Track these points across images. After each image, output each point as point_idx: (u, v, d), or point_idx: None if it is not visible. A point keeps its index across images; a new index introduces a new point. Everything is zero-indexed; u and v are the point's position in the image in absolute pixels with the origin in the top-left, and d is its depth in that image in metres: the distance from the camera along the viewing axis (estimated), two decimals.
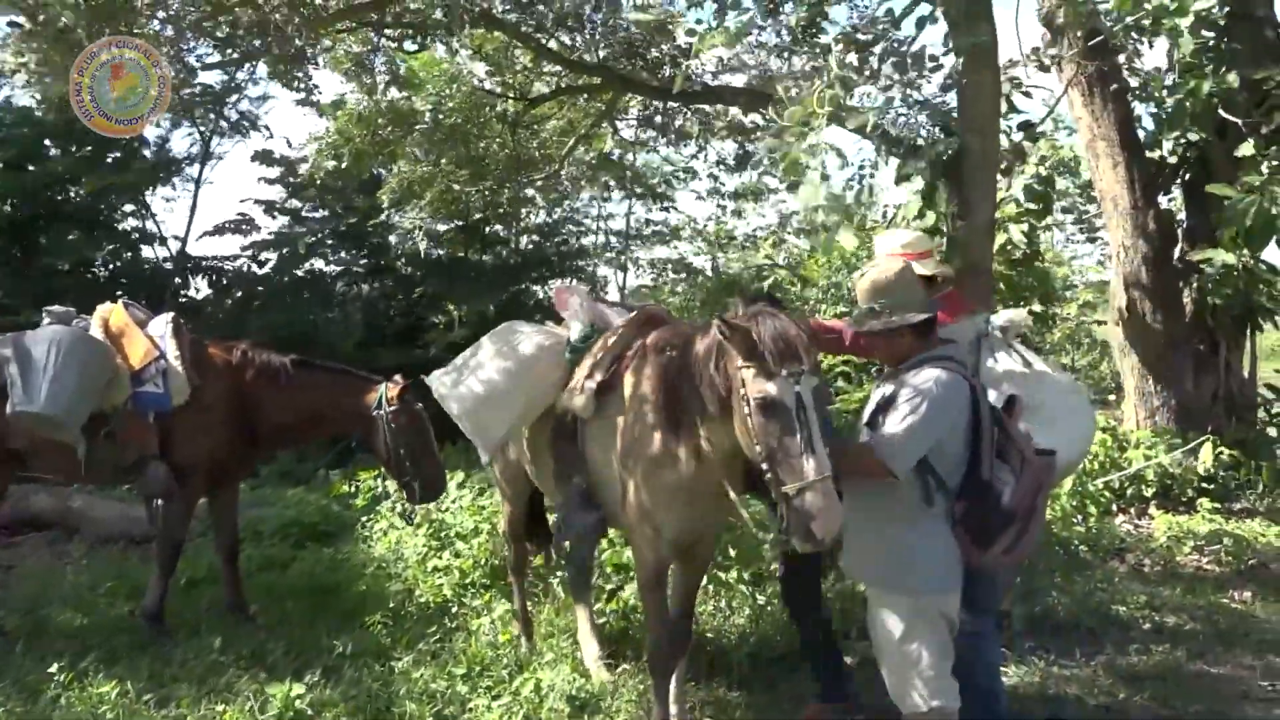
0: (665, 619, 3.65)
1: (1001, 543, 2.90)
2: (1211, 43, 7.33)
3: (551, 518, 4.81)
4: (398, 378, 4.94)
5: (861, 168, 4.26)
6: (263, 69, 11.05)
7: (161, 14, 4.77)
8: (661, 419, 3.35)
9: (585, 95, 9.52)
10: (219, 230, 14.34)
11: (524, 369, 3.86)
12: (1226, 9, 6.95)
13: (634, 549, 3.65)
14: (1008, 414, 3.05)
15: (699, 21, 5.79)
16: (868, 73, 3.72)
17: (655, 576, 3.59)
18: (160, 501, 4.80)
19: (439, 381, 4.05)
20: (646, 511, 3.44)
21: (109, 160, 13.14)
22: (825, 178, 3.22)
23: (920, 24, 4.36)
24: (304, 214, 14.65)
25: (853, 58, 3.66)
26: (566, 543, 4.00)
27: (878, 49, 3.81)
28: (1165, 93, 7.80)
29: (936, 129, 4.57)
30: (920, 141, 4.63)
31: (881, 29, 3.87)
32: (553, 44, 8.40)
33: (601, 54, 8.35)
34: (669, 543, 3.49)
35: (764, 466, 2.79)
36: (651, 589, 3.60)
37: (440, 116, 8.81)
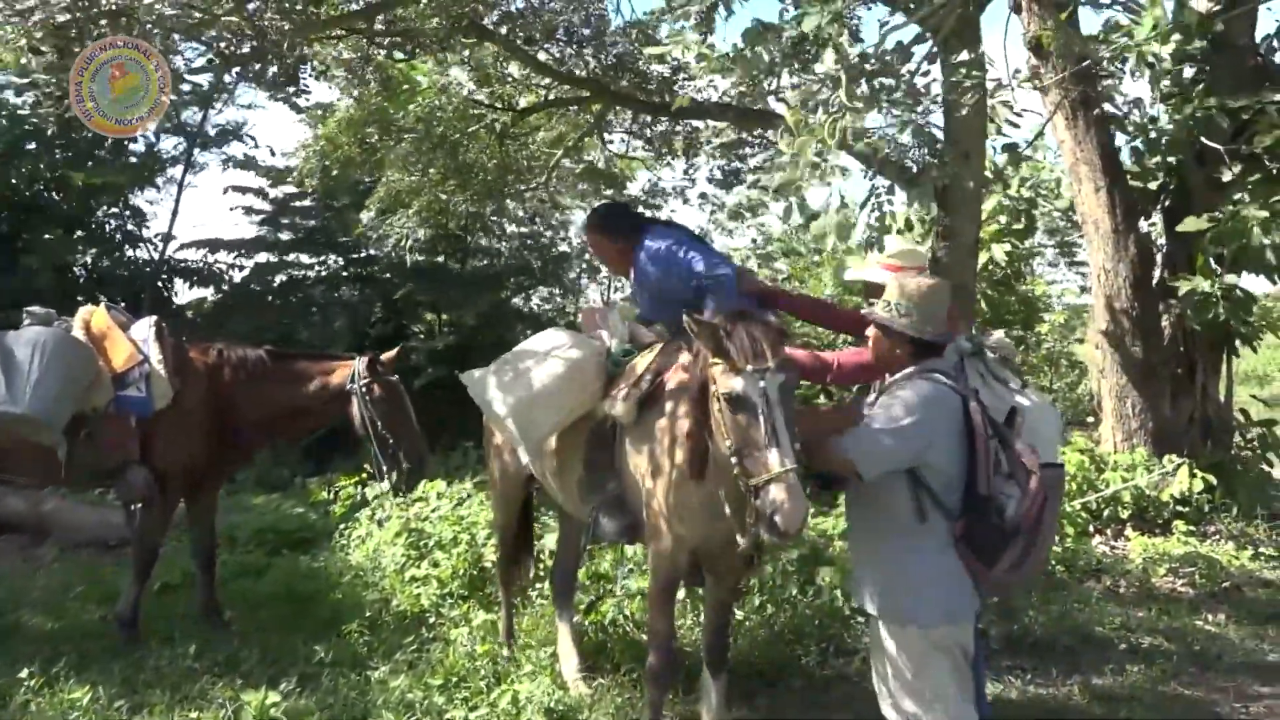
0: (671, 635, 3.69)
1: (1007, 559, 2.83)
2: (1193, 71, 7.44)
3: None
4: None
5: (877, 194, 4.27)
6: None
7: (150, 18, 4.72)
8: (684, 433, 3.38)
9: (575, 107, 9.51)
10: (203, 244, 14.18)
11: (572, 374, 3.89)
12: (1209, 37, 7.05)
13: (650, 559, 3.68)
14: (1009, 427, 3.01)
15: (677, 33, 5.76)
16: (878, 105, 3.73)
17: (667, 589, 3.61)
18: (139, 506, 4.77)
19: (478, 382, 4.04)
20: (666, 521, 3.48)
21: (90, 162, 13.01)
22: (843, 205, 3.27)
23: (931, 59, 4.41)
24: (286, 220, 14.57)
25: (862, 88, 3.67)
26: (588, 545, 4.08)
27: (891, 79, 3.82)
28: (1148, 120, 7.90)
29: (925, 153, 4.60)
30: (915, 167, 4.67)
31: (889, 58, 3.87)
32: (543, 56, 8.40)
33: (590, 64, 8.36)
34: (689, 553, 3.53)
35: (733, 461, 2.87)
36: (661, 602, 3.62)
37: (430, 126, 8.78)
